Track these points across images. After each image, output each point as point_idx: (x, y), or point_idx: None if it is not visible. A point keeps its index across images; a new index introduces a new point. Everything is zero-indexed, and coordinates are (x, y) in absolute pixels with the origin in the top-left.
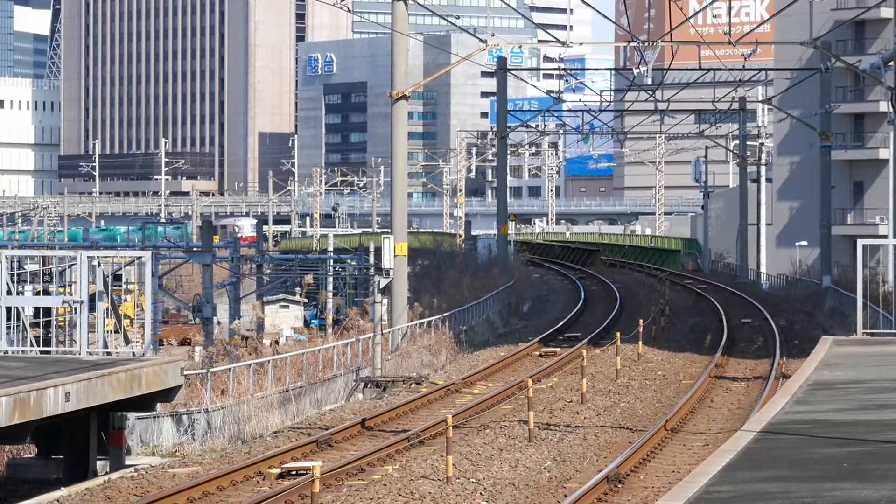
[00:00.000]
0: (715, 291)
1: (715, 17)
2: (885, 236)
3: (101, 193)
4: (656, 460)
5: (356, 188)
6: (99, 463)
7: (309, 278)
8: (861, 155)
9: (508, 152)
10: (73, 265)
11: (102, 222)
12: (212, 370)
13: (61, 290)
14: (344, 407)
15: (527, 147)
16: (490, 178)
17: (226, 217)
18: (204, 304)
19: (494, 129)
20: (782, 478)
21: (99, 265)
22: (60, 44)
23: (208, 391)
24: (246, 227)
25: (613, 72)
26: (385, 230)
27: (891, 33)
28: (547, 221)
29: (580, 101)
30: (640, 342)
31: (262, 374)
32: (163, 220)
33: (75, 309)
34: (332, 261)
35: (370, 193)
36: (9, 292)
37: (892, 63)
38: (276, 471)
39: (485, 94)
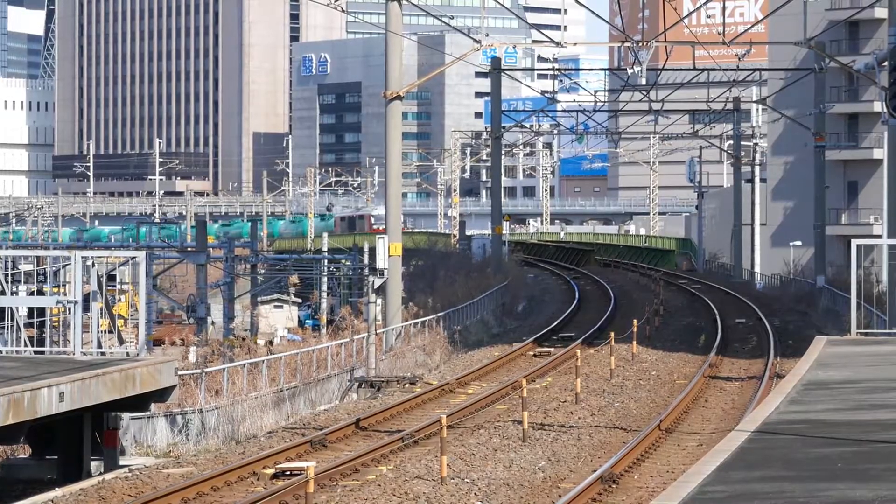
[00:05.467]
0: (709, 291)
1: (709, 17)
2: (879, 236)
3: (95, 194)
4: (651, 460)
5: (350, 188)
6: (93, 463)
7: (294, 278)
8: (855, 155)
9: (503, 152)
10: (67, 265)
11: (97, 222)
12: (206, 370)
13: (55, 290)
14: (338, 407)
15: (521, 147)
16: (484, 178)
17: (218, 215)
18: (198, 304)
19: (489, 129)
20: (777, 478)
21: (93, 265)
22: (54, 44)
23: (203, 391)
24: None
25: (607, 72)
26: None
27: (885, 33)
28: (541, 221)
29: (574, 101)
30: (635, 342)
31: (256, 374)
32: (157, 221)
33: (69, 309)
34: (326, 261)
35: (364, 194)
36: (3, 292)
37: (886, 63)
38: (271, 471)
39: (479, 95)
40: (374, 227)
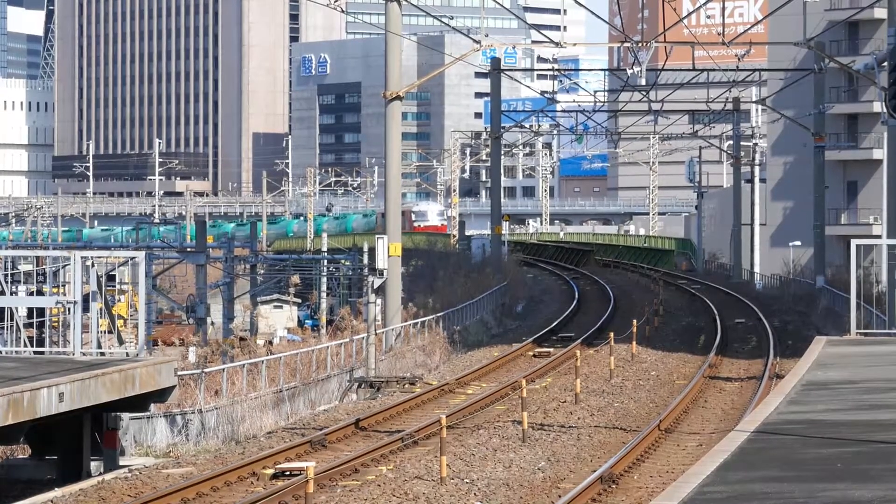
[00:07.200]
0: (709, 291)
1: (708, 17)
2: (878, 236)
3: (94, 194)
4: (650, 460)
5: (350, 188)
6: (93, 463)
7: (296, 278)
8: (855, 155)
9: (502, 153)
10: (66, 265)
11: (96, 222)
12: (205, 370)
13: (55, 290)
14: (338, 407)
15: (521, 147)
16: (484, 178)
17: (217, 215)
18: (198, 305)
19: (488, 129)
20: (776, 478)
21: (93, 265)
22: (54, 44)
23: (202, 391)
24: (431, 215)
25: (607, 72)
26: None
27: (884, 33)
28: (541, 222)
29: (574, 101)
30: (634, 342)
31: (255, 374)
32: (156, 221)
33: (69, 309)
34: (325, 261)
35: (364, 194)
36: (2, 293)
37: (885, 63)
38: (270, 471)
39: (479, 95)
40: (415, 224)
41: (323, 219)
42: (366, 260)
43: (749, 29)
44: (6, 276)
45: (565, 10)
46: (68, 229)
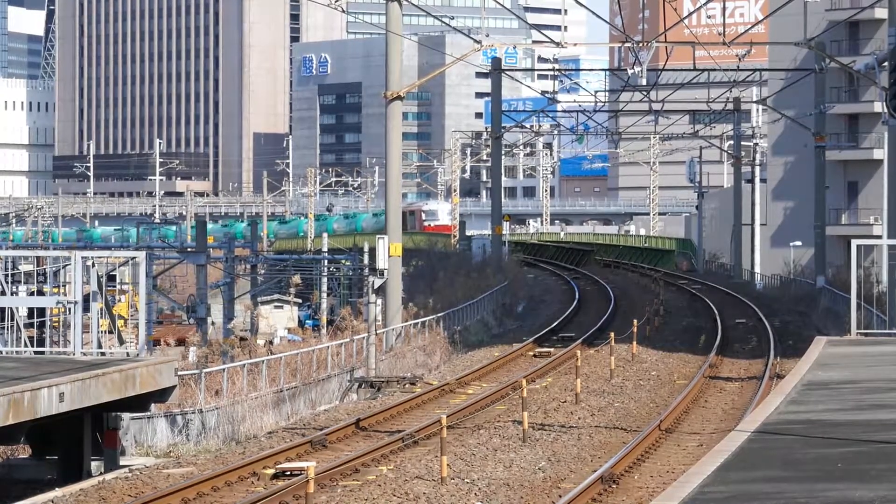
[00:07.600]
0: (709, 292)
1: (709, 17)
2: (879, 237)
3: (95, 194)
4: (651, 460)
5: (350, 188)
6: (93, 463)
7: (297, 278)
8: (855, 155)
9: (503, 153)
10: (67, 266)
11: (97, 223)
12: (206, 370)
13: (55, 290)
14: (338, 407)
15: (521, 147)
16: (485, 178)
17: (218, 215)
18: (198, 305)
19: (489, 129)
20: (776, 478)
21: (93, 265)
22: (55, 44)
23: (202, 391)
24: (441, 214)
25: (608, 72)
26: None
27: (885, 34)
28: (541, 222)
29: (575, 101)
30: (635, 342)
31: (256, 374)
32: (157, 221)
33: (69, 309)
34: (326, 261)
35: (364, 194)
36: (3, 293)
37: (886, 63)
38: (271, 471)
39: (479, 95)
40: (426, 223)
41: (332, 218)
42: (366, 260)
43: (750, 29)
44: (6, 276)
45: (566, 10)
46: (78, 229)
